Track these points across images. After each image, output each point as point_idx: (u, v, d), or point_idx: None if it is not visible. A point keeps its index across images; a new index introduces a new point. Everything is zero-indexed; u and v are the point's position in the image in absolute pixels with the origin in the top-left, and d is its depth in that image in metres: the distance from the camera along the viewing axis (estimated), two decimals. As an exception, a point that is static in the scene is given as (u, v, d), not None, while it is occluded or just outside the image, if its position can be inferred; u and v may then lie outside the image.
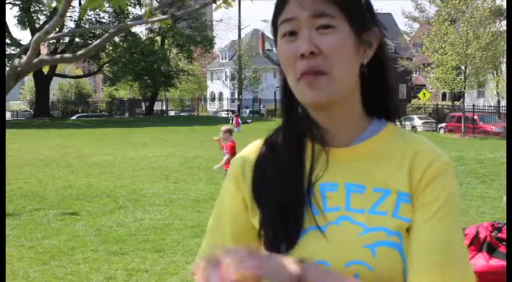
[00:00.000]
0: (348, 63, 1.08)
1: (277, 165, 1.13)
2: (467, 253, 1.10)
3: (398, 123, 1.17)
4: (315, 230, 1.06)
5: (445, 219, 1.05)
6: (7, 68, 3.01)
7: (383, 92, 1.16)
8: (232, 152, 10.07)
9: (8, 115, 44.92)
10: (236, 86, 51.01)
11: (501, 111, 34.70)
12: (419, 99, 42.17)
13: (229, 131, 10.69)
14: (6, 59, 20.87)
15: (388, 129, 1.15)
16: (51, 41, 39.92)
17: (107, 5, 2.58)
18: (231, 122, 36.33)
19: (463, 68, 29.91)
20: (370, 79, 1.13)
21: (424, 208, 1.05)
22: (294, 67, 1.07)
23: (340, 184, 1.10)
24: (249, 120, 38.15)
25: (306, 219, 1.07)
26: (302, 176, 1.11)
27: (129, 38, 44.43)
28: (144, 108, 55.89)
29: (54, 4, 2.50)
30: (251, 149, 1.20)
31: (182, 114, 58.40)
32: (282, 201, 1.09)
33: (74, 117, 48.97)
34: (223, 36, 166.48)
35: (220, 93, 70.44)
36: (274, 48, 1.19)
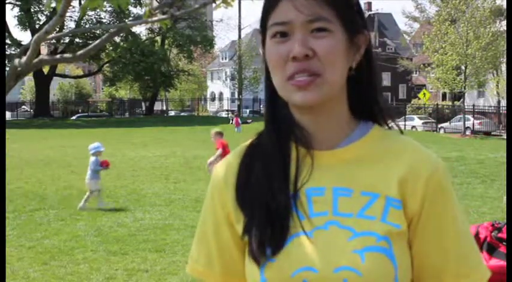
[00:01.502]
0: (339, 67, 1.07)
1: (262, 170, 1.11)
2: (476, 244, 1.15)
3: (385, 125, 1.16)
4: (302, 235, 1.05)
5: (460, 226, 1.10)
6: (7, 68, 3.01)
7: (370, 95, 1.14)
8: (224, 148, 10.29)
9: (8, 115, 44.91)
10: (236, 86, 50.98)
11: (501, 111, 34.70)
12: (419, 99, 42.19)
13: (220, 134, 10.72)
14: (6, 59, 20.87)
15: (374, 132, 1.14)
16: (51, 41, 39.95)
17: (107, 5, 2.58)
18: (230, 122, 36.33)
19: (463, 68, 29.93)
20: (358, 82, 1.12)
21: (438, 222, 1.08)
22: (284, 68, 1.06)
23: (327, 188, 1.08)
24: (249, 120, 38.15)
25: (292, 225, 1.06)
26: (287, 181, 1.09)
27: (130, 37, 44.43)
28: (144, 108, 55.89)
29: (53, 4, 2.50)
30: (234, 156, 1.18)
31: (182, 114, 58.39)
32: (267, 206, 1.08)
33: (74, 117, 48.94)
34: (224, 36, 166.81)
35: (221, 93, 70.46)
36: (260, 49, 1.17)
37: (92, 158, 9.91)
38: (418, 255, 1.08)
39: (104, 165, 9.95)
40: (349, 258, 1.02)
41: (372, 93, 1.15)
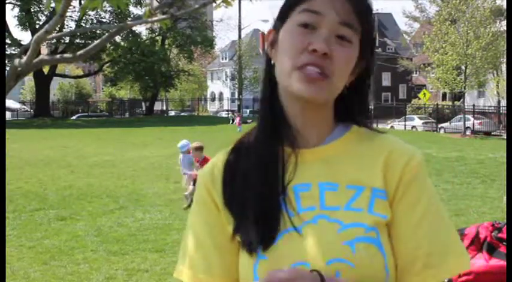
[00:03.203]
0: (344, 78, 1.11)
1: (248, 170, 1.13)
2: (458, 236, 1.13)
3: (365, 126, 1.19)
4: (291, 231, 1.06)
5: (435, 215, 1.09)
6: (7, 68, 3.01)
7: (356, 101, 1.17)
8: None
9: (8, 115, 44.89)
10: (236, 86, 51.00)
11: (501, 111, 34.70)
12: (419, 99, 42.19)
13: (201, 148, 10.11)
14: (7, 59, 20.88)
15: (354, 131, 1.17)
16: (51, 41, 39.94)
17: (107, 5, 2.58)
18: (231, 122, 36.31)
19: (463, 68, 29.91)
20: (349, 92, 1.15)
21: (411, 210, 1.08)
22: (297, 57, 1.07)
23: (313, 184, 1.10)
24: (249, 120, 38.17)
25: (281, 222, 1.07)
26: (274, 179, 1.11)
27: (130, 36, 44.41)
28: (144, 108, 55.92)
29: (53, 4, 2.50)
30: (220, 156, 1.19)
31: (182, 114, 58.40)
32: (255, 205, 1.09)
33: (74, 117, 48.96)
34: (224, 36, 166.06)
35: (221, 93, 70.46)
36: (262, 47, 1.18)
37: (186, 156, 10.21)
38: (393, 241, 1.08)
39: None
40: (340, 250, 1.03)
41: (360, 102, 1.18)
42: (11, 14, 72.86)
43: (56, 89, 65.11)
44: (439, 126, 34.81)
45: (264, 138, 1.14)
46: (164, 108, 61.02)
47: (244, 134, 1.20)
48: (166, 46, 51.74)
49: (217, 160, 1.19)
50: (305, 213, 1.08)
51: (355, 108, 1.17)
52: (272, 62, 1.15)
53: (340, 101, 1.15)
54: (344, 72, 1.09)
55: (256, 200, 1.09)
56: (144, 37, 50.11)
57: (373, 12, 1.14)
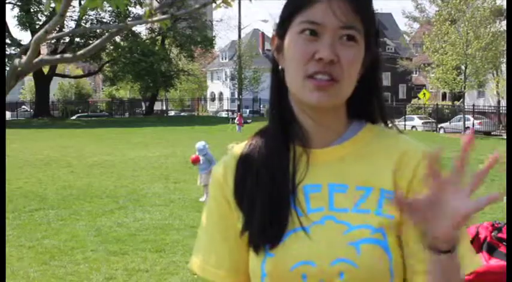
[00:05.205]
0: (354, 77, 1.10)
1: (259, 168, 1.14)
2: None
3: (380, 123, 1.18)
4: (299, 231, 1.08)
5: None
6: (7, 68, 3.01)
7: (368, 98, 1.17)
8: None
9: (8, 115, 44.90)
10: (236, 86, 50.96)
11: (501, 111, 34.69)
12: (419, 99, 42.18)
13: None
14: (7, 59, 20.86)
15: (368, 130, 1.17)
16: (51, 41, 39.92)
17: (107, 4, 2.58)
18: (231, 121, 36.29)
19: (463, 68, 29.93)
20: (361, 87, 1.14)
21: None
22: (305, 66, 1.07)
23: (323, 185, 1.11)
24: (249, 120, 38.18)
25: (290, 221, 1.09)
26: (285, 179, 1.12)
27: (130, 36, 44.36)
28: (144, 108, 55.89)
29: (52, 5, 2.50)
30: (233, 153, 1.20)
31: (182, 114, 58.38)
32: (265, 203, 1.10)
33: (74, 117, 48.89)
34: (224, 36, 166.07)
35: (221, 93, 70.41)
36: (269, 45, 1.18)
37: (205, 157, 10.25)
38: (402, 242, 1.08)
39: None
40: (345, 250, 1.04)
41: (370, 96, 1.17)
42: (11, 14, 72.79)
43: (56, 89, 64.97)
44: (439, 126, 34.81)
45: (274, 138, 1.16)
46: (164, 108, 60.97)
47: (256, 132, 1.20)
48: (166, 46, 51.70)
49: (230, 158, 1.20)
50: (313, 214, 1.09)
51: (368, 103, 1.17)
52: (280, 67, 1.15)
53: (353, 97, 1.14)
54: (353, 73, 1.09)
55: (265, 199, 1.11)
56: (144, 37, 50.08)
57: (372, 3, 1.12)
